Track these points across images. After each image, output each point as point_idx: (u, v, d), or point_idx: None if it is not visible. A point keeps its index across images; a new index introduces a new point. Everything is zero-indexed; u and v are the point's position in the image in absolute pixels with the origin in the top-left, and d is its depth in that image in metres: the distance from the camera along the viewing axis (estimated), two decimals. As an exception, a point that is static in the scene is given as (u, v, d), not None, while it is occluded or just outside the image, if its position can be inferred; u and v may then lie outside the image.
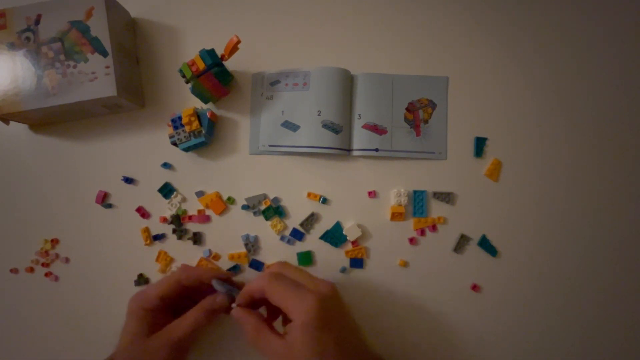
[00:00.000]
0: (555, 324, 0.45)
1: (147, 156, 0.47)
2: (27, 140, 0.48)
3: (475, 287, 0.45)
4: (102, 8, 0.42)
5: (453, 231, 0.46)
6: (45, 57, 0.42)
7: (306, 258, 0.46)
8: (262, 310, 0.40)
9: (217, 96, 0.46)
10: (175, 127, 0.44)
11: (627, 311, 0.45)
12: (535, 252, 0.46)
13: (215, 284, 0.39)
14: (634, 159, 0.46)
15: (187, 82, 0.43)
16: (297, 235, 0.46)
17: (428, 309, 0.45)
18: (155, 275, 0.46)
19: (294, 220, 0.46)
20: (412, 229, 0.46)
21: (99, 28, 0.42)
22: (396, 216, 0.45)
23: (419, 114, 0.47)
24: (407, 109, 0.47)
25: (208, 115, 0.44)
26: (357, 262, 0.46)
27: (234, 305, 0.38)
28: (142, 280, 0.46)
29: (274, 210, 0.46)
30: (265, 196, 0.46)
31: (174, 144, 0.45)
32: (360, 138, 0.46)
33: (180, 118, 0.44)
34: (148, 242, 0.46)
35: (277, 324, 0.39)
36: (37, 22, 0.42)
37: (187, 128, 0.44)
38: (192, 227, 0.46)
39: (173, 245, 0.46)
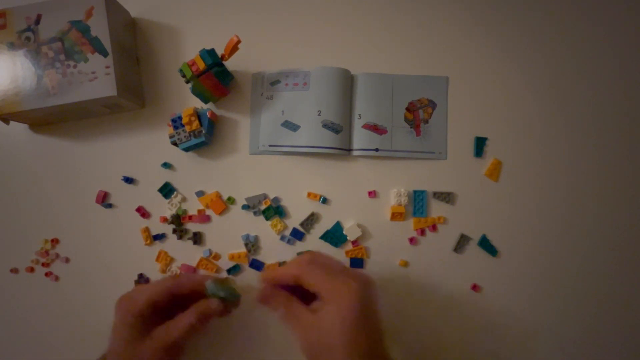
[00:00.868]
0: (555, 323, 0.45)
1: (147, 156, 0.47)
2: (27, 140, 0.48)
3: (475, 287, 0.45)
4: (102, 8, 0.42)
5: (453, 231, 0.46)
6: (45, 57, 0.42)
7: (306, 258, 0.46)
8: None
9: (217, 96, 0.46)
10: (176, 127, 0.44)
11: (627, 311, 0.45)
12: (535, 252, 0.46)
13: (209, 285, 0.38)
14: (634, 158, 0.46)
15: (187, 82, 0.43)
16: (297, 235, 0.46)
17: (428, 309, 0.45)
18: (155, 275, 0.46)
19: (294, 220, 0.46)
20: (412, 229, 0.46)
21: (99, 28, 0.42)
22: (396, 216, 0.45)
23: (419, 113, 0.47)
24: (407, 109, 0.47)
25: (208, 115, 0.44)
26: (357, 262, 0.46)
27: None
28: (142, 280, 0.46)
29: (274, 210, 0.46)
30: (265, 196, 0.46)
31: (174, 143, 0.45)
32: (360, 138, 0.46)
33: (180, 118, 0.44)
34: (148, 242, 0.46)
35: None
36: (37, 22, 0.42)
37: (187, 128, 0.44)
38: (192, 227, 0.47)
39: (173, 245, 0.46)
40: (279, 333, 0.45)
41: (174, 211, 0.46)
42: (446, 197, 0.46)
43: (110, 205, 0.47)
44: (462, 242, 0.46)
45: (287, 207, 0.46)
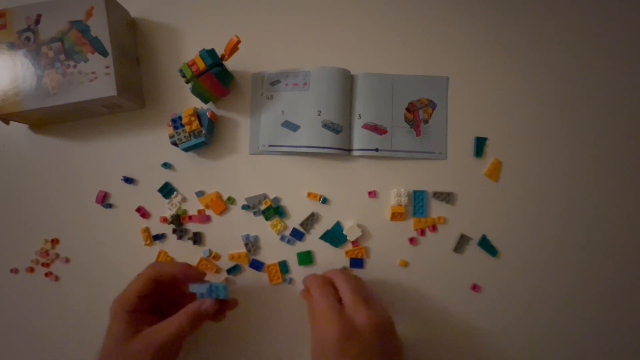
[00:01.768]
0: (555, 323, 0.45)
1: (147, 156, 0.47)
2: (27, 140, 0.48)
3: (475, 287, 0.45)
4: (102, 8, 0.42)
5: (453, 231, 0.46)
6: (45, 57, 0.42)
7: (306, 258, 0.46)
8: None
9: (217, 96, 0.46)
10: (175, 127, 0.44)
11: (627, 311, 0.45)
12: (535, 252, 0.46)
13: (193, 288, 0.37)
14: (633, 158, 0.46)
15: (187, 82, 0.43)
16: (297, 235, 0.46)
17: (428, 309, 0.45)
18: (155, 275, 0.46)
19: (294, 220, 0.46)
20: (412, 229, 0.46)
21: (99, 28, 0.42)
22: (396, 216, 0.45)
23: (419, 114, 0.47)
24: (407, 109, 0.47)
25: (208, 115, 0.44)
26: (357, 262, 0.46)
27: (214, 285, 0.37)
28: (142, 280, 0.46)
29: (274, 210, 0.46)
30: (265, 196, 0.46)
31: (174, 144, 0.45)
32: (360, 138, 0.46)
33: (180, 118, 0.44)
34: (148, 242, 0.46)
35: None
36: (37, 22, 0.42)
37: (187, 128, 0.44)
38: (192, 227, 0.46)
39: (173, 245, 0.46)
40: (274, 338, 0.45)
41: (174, 211, 0.46)
42: (446, 197, 0.46)
43: (110, 205, 0.47)
44: (462, 242, 0.46)
45: (287, 207, 0.46)
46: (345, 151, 0.46)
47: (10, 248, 0.47)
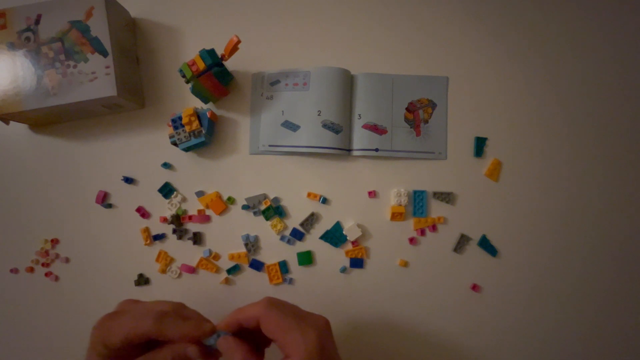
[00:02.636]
0: (555, 323, 0.45)
1: (147, 156, 0.47)
2: (27, 140, 0.48)
3: (475, 287, 0.45)
4: (102, 8, 0.42)
5: (453, 231, 0.46)
6: (45, 57, 0.42)
7: (306, 258, 0.46)
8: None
9: (217, 96, 0.46)
10: (175, 127, 0.44)
11: (627, 311, 0.45)
12: (535, 252, 0.46)
13: (207, 342, 0.33)
14: (634, 158, 0.46)
15: (187, 82, 0.43)
16: (297, 235, 0.46)
17: (428, 309, 0.45)
18: (155, 275, 0.46)
19: (294, 220, 0.46)
20: (412, 229, 0.46)
21: (99, 28, 0.42)
22: (396, 216, 0.45)
23: (419, 114, 0.47)
24: (407, 109, 0.47)
25: (208, 115, 0.44)
26: (357, 262, 0.46)
27: (221, 333, 0.33)
28: (142, 280, 0.46)
29: (274, 210, 0.46)
30: (265, 196, 0.46)
31: (174, 144, 0.45)
32: (360, 138, 0.46)
33: (180, 118, 0.44)
34: (148, 242, 0.46)
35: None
36: (37, 22, 0.42)
37: (187, 128, 0.44)
38: (192, 227, 0.47)
39: (173, 245, 0.46)
40: None
41: (173, 211, 0.46)
42: (446, 197, 0.46)
43: (110, 205, 0.47)
44: (462, 242, 0.46)
45: (287, 207, 0.46)
46: (345, 151, 0.46)
47: (10, 248, 0.47)
